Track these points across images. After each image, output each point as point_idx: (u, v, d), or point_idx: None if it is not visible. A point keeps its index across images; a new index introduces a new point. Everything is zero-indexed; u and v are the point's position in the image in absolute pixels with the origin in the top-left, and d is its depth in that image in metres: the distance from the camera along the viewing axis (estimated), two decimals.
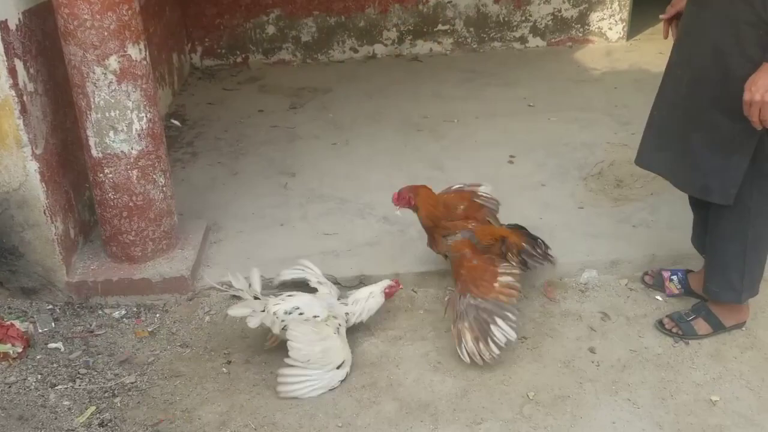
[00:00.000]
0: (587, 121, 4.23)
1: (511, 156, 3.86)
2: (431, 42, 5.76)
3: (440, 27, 5.70)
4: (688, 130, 2.31)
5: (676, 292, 2.73)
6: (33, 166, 2.55)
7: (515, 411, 2.25)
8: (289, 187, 3.61)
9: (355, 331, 2.58)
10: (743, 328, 2.57)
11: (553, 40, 5.80)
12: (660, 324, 2.58)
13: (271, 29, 5.56)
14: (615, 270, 2.87)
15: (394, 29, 5.67)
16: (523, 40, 5.80)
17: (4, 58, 2.40)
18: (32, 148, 2.54)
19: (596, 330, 2.60)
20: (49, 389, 2.39)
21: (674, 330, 2.54)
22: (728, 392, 2.31)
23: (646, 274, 2.83)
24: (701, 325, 2.53)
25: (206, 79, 5.39)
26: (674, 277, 2.74)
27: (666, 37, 2.55)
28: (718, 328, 2.53)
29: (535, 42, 5.81)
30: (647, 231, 3.06)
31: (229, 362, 2.51)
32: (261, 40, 5.60)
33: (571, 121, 4.27)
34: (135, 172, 2.68)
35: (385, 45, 5.72)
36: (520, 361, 2.46)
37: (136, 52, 2.55)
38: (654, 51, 5.43)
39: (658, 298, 2.75)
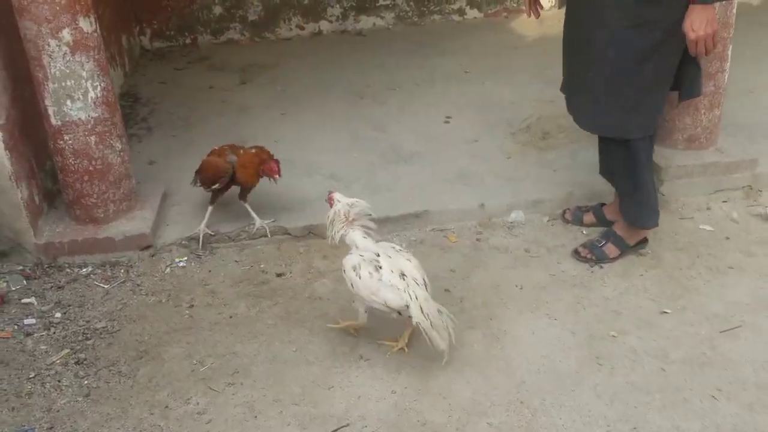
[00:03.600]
0: (518, 83, 4.54)
1: (447, 117, 4.15)
2: (374, 17, 6.00)
3: (382, 2, 5.93)
4: (587, 77, 2.61)
5: (594, 220, 3.07)
6: None
7: None
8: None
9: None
10: (645, 248, 2.91)
11: (489, 12, 6.09)
12: (576, 253, 2.91)
13: (218, 9, 5.73)
14: (538, 209, 3.20)
15: (338, 6, 5.90)
16: (461, 12, 6.08)
17: None
18: None
19: (520, 260, 2.92)
20: (26, 337, 2.60)
21: (588, 256, 2.87)
22: (632, 303, 2.66)
23: (566, 210, 3.16)
24: (611, 249, 2.86)
25: (157, 60, 5.54)
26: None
27: (530, 16, 2.89)
28: (624, 248, 2.87)
29: (472, 14, 6.09)
30: (567, 173, 3.39)
31: (192, 306, 2.76)
32: (209, 21, 5.77)
33: (503, 84, 4.58)
34: (93, 138, 2.88)
35: (330, 21, 5.94)
36: (453, 288, 2.77)
37: (87, 24, 2.76)
38: None
39: (584, 231, 3.06)
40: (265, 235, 3.11)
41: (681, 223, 3.12)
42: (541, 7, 2.93)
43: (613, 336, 2.49)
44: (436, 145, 3.81)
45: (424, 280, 2.33)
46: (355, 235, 2.40)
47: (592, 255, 2.86)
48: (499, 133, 3.90)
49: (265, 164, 2.97)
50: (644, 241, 2.91)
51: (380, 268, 2.30)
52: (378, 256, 2.33)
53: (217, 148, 3.12)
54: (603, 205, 3.09)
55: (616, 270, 2.83)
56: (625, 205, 2.85)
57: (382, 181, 3.46)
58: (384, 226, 3.13)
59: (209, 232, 3.07)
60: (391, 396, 2.29)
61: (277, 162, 3.01)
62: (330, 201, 2.47)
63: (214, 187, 3.01)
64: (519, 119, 4.03)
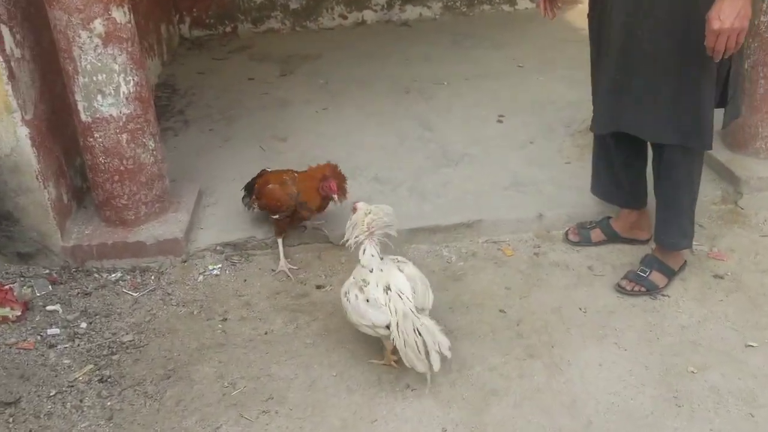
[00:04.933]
0: (574, 80, 4.22)
1: (500, 115, 3.89)
2: (420, 6, 5.74)
3: None
4: (657, 84, 2.29)
5: (604, 237, 2.79)
6: (23, 131, 2.57)
7: (504, 355, 2.31)
8: (279, 150, 3.63)
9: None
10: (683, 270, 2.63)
11: None
12: (620, 288, 2.55)
13: None
14: None
15: None
16: (512, 2, 5.79)
17: None
18: (22, 114, 2.56)
19: (583, 279, 2.65)
20: (49, 349, 2.44)
21: (637, 289, 2.54)
22: (712, 333, 2.37)
23: (569, 230, 2.86)
24: (658, 277, 2.55)
25: (195, 49, 5.38)
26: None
27: (545, 15, 2.62)
28: (670, 274, 2.57)
29: (524, 4, 5.80)
30: None
31: (225, 319, 2.56)
32: (249, 9, 5.58)
33: (559, 80, 4.29)
34: (124, 135, 2.70)
35: (374, 11, 5.70)
36: (509, 309, 2.52)
37: (120, 15, 2.56)
38: None
39: (652, 247, 2.75)
40: (306, 242, 2.90)
41: (763, 241, 2.81)
42: (559, 7, 2.63)
43: (692, 372, 2.21)
44: (488, 147, 3.55)
45: (413, 290, 2.13)
46: (368, 248, 2.21)
47: (641, 287, 2.53)
48: (557, 134, 3.62)
49: (325, 181, 2.68)
50: (684, 264, 2.61)
51: (367, 284, 2.14)
52: (371, 272, 2.16)
53: (275, 173, 2.85)
54: (609, 218, 2.81)
55: (691, 294, 2.55)
56: (665, 227, 2.54)
57: (430, 186, 3.21)
58: (433, 235, 2.91)
59: (289, 268, 2.78)
60: None
61: (337, 181, 2.71)
62: (354, 211, 2.33)
63: (275, 216, 2.76)
64: (578, 119, 3.74)
